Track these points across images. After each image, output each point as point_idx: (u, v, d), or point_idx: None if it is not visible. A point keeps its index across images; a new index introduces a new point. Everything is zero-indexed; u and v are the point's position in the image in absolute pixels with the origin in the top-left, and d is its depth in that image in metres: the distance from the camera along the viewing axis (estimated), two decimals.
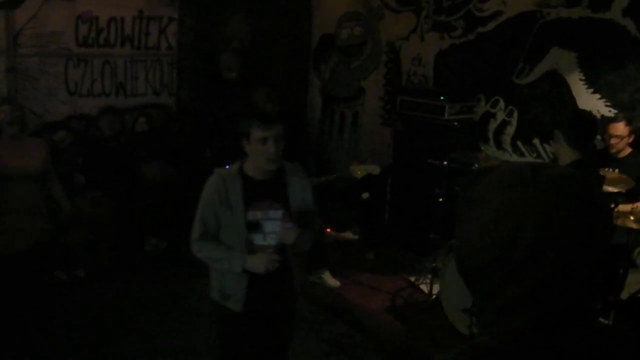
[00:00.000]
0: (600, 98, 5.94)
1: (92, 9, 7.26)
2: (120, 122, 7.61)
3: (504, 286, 1.23)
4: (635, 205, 4.82)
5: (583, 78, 6.04)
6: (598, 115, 5.82)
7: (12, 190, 4.68)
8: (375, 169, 5.89)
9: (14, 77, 6.90)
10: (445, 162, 6.01)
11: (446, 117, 6.65)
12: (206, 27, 8.07)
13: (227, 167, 3.64)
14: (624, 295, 4.77)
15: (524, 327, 1.22)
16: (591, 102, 5.98)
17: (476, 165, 5.47)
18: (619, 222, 4.66)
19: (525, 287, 1.20)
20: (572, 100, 6.11)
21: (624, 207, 4.82)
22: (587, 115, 5.26)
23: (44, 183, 4.93)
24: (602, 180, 4.58)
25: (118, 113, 7.65)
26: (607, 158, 5.37)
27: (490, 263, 1.23)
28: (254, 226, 3.54)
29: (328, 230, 7.61)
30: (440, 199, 6.10)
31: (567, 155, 4.21)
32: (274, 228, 3.53)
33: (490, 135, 6.83)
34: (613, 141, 5.36)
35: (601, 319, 4.56)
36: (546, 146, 6.34)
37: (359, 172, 5.89)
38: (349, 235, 7.80)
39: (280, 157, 3.52)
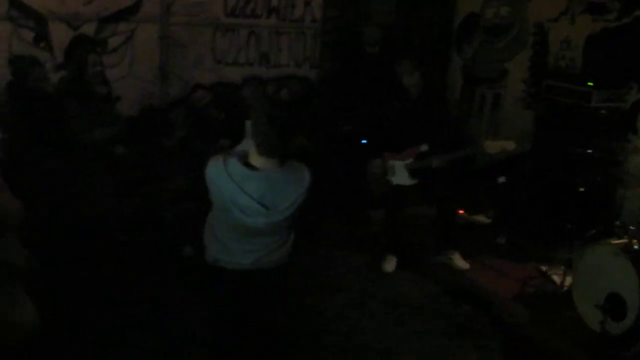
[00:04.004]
0: None
1: None
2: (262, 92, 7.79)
3: None
4: None
5: None
6: None
7: None
8: (510, 145, 5.74)
9: (166, 44, 7.22)
10: (589, 151, 5.79)
11: (593, 104, 6.37)
12: (351, 1, 8.09)
13: None
14: None
15: None
16: None
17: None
18: None
19: None
20: None
21: None
22: None
23: None
24: None
25: (260, 82, 7.84)
26: None
27: None
28: None
29: (461, 211, 7.52)
30: (581, 189, 5.89)
31: None
32: None
33: None
34: None
35: None
36: None
37: (493, 148, 5.78)
38: (481, 218, 7.66)
39: None
